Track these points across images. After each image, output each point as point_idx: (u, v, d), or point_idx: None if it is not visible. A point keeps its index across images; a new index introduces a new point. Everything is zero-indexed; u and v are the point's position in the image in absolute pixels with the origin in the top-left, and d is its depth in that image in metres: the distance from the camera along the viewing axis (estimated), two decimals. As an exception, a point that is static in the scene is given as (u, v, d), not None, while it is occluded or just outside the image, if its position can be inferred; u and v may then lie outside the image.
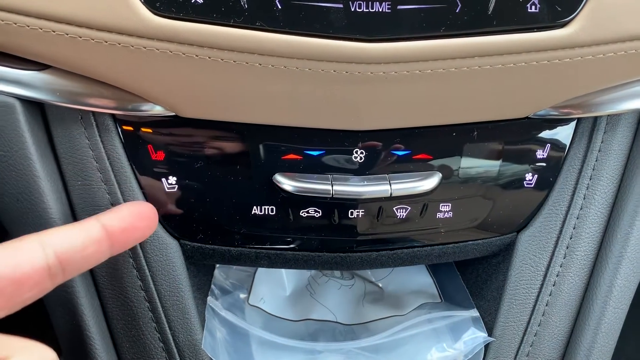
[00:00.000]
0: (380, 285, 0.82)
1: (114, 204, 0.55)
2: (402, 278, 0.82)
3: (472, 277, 0.72)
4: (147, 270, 0.56)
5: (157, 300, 0.57)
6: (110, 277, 0.57)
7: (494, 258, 0.66)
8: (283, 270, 0.80)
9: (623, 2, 0.46)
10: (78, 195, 0.55)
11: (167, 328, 0.58)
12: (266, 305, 0.75)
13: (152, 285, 0.57)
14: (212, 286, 0.70)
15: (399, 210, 0.58)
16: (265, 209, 0.56)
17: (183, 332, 0.58)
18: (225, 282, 0.73)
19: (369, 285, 0.82)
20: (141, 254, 0.56)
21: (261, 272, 0.79)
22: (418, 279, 0.82)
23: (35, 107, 0.53)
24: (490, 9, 0.45)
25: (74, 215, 0.56)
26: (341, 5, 0.45)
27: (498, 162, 0.58)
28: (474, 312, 0.68)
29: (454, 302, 0.74)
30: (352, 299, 0.79)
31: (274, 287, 0.79)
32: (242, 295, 0.74)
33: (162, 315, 0.57)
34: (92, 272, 0.57)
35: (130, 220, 0.48)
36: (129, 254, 0.56)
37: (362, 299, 0.79)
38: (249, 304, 0.74)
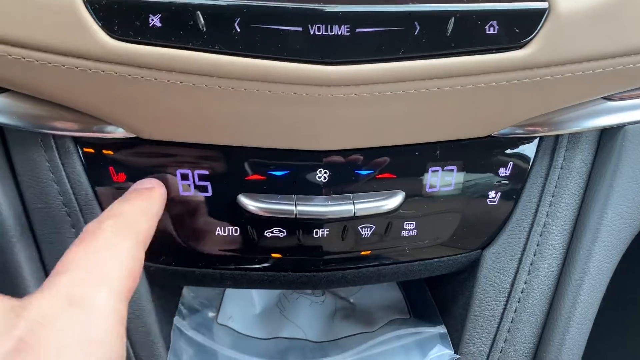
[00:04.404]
0: (352, 300, 0.82)
1: (74, 226, 0.55)
2: (373, 293, 0.83)
3: (440, 293, 0.73)
4: (109, 294, 0.56)
5: (120, 324, 0.57)
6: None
7: (460, 275, 0.66)
8: (253, 288, 0.80)
9: (579, 23, 0.47)
10: (39, 218, 0.55)
11: (131, 351, 0.57)
12: (235, 323, 0.75)
13: (114, 309, 0.56)
14: (180, 305, 0.69)
15: (363, 229, 0.58)
16: (229, 229, 0.56)
17: (147, 355, 0.57)
18: (194, 301, 0.73)
19: (340, 301, 0.82)
20: (103, 277, 0.56)
21: (231, 289, 0.79)
22: (388, 294, 0.82)
23: (-7, 130, 0.52)
24: (449, 31, 0.46)
25: (34, 238, 0.55)
26: (300, 29, 0.44)
27: (461, 181, 0.58)
28: (442, 329, 0.68)
29: (423, 317, 0.74)
30: (323, 315, 0.79)
31: (244, 304, 0.79)
32: (211, 314, 0.74)
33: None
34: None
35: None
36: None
37: (332, 315, 0.79)
38: (217, 322, 0.74)
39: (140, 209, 0.47)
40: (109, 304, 0.37)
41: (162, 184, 0.53)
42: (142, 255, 0.44)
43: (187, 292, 0.72)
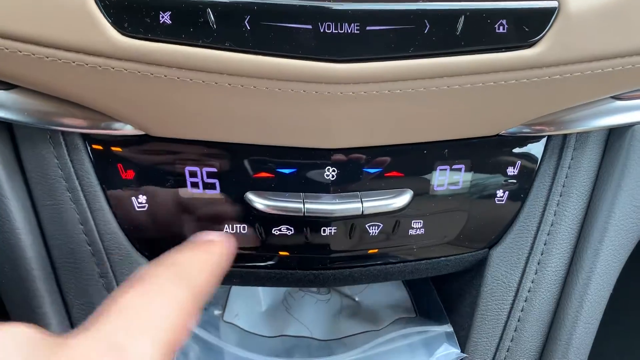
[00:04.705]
0: (357, 299, 0.82)
1: (83, 223, 0.55)
2: (378, 292, 0.83)
3: (446, 292, 0.72)
4: (117, 291, 0.56)
5: (128, 321, 0.57)
6: (80, 297, 0.56)
7: (467, 273, 0.66)
8: (259, 286, 0.80)
9: (589, 23, 0.47)
10: (47, 215, 0.55)
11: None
12: (241, 321, 0.75)
13: (122, 306, 0.56)
14: (186, 303, 0.69)
15: (371, 228, 0.58)
16: (236, 227, 0.56)
17: (154, 352, 0.57)
18: (200, 299, 0.73)
19: (345, 299, 0.82)
20: (111, 274, 0.56)
21: (237, 287, 0.79)
22: (394, 293, 0.82)
23: (2, 126, 0.52)
24: (459, 29, 0.46)
25: (42, 234, 0.55)
26: (310, 26, 0.44)
27: (469, 179, 0.58)
28: (448, 328, 0.68)
29: (429, 316, 0.74)
30: (328, 313, 0.79)
31: (250, 302, 0.79)
32: (217, 312, 0.74)
33: (133, 335, 0.57)
34: (61, 292, 0.57)
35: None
36: (99, 274, 0.56)
37: (338, 313, 0.79)
38: (223, 320, 0.74)
39: (198, 261, 0.43)
40: (149, 355, 0.35)
41: (227, 238, 0.47)
42: (195, 310, 0.40)
43: (193, 290, 0.72)
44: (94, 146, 0.53)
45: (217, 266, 0.45)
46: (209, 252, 0.45)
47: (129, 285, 0.39)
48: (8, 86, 0.49)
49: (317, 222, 0.56)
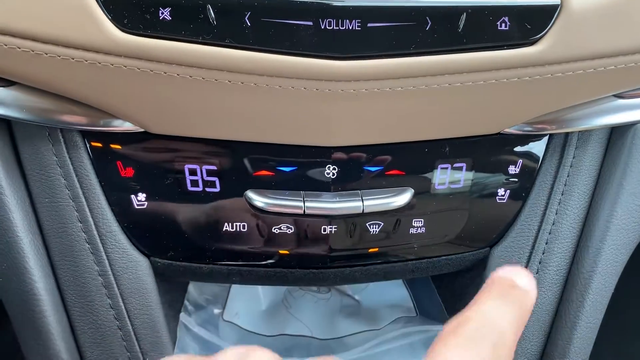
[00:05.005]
0: (357, 298, 0.82)
1: (81, 221, 0.54)
2: (379, 291, 0.82)
3: (447, 291, 0.72)
4: (116, 289, 0.56)
5: (127, 319, 0.56)
6: (78, 296, 0.56)
7: (468, 272, 0.66)
8: (259, 284, 0.80)
9: (591, 21, 0.47)
10: (46, 213, 0.54)
11: (137, 347, 0.57)
12: (241, 320, 0.75)
13: (121, 304, 0.56)
14: (186, 302, 0.69)
15: (371, 226, 0.58)
16: (236, 225, 0.56)
17: (153, 350, 0.57)
18: (200, 298, 0.73)
19: (346, 298, 0.81)
20: (110, 272, 0.55)
21: (237, 286, 0.79)
22: (394, 292, 0.82)
23: (1, 123, 0.52)
24: (461, 26, 0.45)
25: (41, 232, 0.55)
26: (311, 23, 0.44)
27: (470, 178, 0.58)
28: (449, 327, 0.68)
29: (429, 315, 0.74)
30: (328, 312, 0.79)
31: (250, 301, 0.79)
32: (217, 311, 0.73)
33: (132, 334, 0.57)
34: (60, 291, 0.56)
35: None
36: (98, 272, 0.55)
37: (338, 312, 0.79)
38: (223, 319, 0.73)
39: (511, 323, 0.32)
40: None
41: (533, 286, 0.35)
42: None
43: (193, 289, 0.72)
44: (93, 143, 0.53)
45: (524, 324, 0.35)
46: (522, 309, 0.34)
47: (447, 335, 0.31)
48: (7, 83, 0.49)
49: (318, 220, 0.56)
